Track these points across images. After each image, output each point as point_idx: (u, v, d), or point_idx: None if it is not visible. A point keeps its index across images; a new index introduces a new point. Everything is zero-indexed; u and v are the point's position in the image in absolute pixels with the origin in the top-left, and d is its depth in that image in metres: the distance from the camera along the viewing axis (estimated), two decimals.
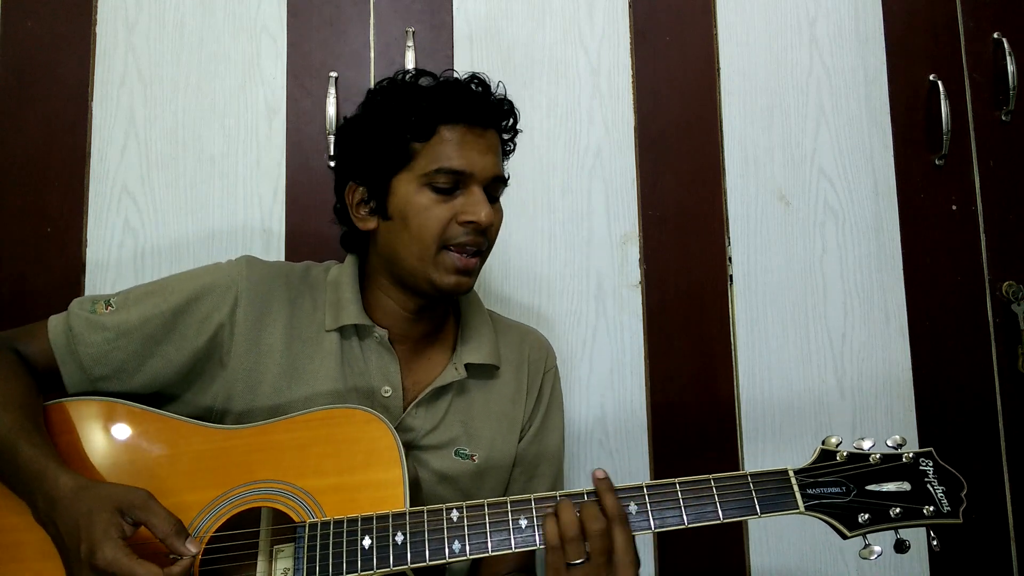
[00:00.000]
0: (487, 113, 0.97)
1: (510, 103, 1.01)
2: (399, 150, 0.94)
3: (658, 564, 1.35)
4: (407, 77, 0.99)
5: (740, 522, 1.37)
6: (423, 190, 0.94)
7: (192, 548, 0.77)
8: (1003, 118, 1.50)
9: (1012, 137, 1.50)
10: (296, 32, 1.38)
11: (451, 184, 0.93)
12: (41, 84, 1.32)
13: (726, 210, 1.44)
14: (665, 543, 1.36)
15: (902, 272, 1.45)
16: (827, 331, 1.43)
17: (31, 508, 0.82)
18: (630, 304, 1.40)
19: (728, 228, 1.44)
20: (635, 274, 1.41)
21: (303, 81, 1.37)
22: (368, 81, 1.38)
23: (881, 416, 1.42)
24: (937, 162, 1.48)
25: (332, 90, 1.35)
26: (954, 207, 1.48)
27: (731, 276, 1.43)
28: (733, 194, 1.45)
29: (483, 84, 0.98)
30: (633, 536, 0.81)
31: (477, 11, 1.42)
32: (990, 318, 1.46)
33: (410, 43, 1.38)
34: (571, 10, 1.45)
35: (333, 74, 1.37)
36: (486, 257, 0.99)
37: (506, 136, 1.02)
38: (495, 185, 0.98)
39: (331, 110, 1.35)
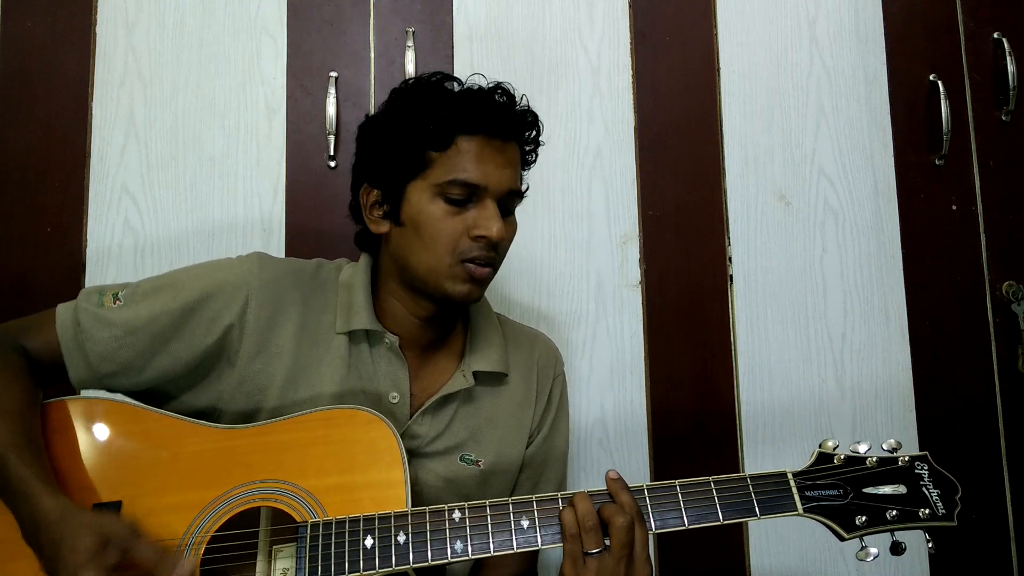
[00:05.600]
0: (508, 125, 0.94)
1: (534, 114, 0.98)
2: (415, 157, 0.93)
3: (658, 564, 1.35)
4: (431, 79, 0.97)
5: (740, 522, 1.37)
6: (436, 200, 0.92)
7: (187, 567, 0.76)
8: (1003, 118, 1.50)
9: (1012, 137, 1.50)
10: (296, 32, 1.38)
11: (465, 196, 0.92)
12: (41, 84, 1.32)
13: (726, 210, 1.44)
14: (665, 543, 1.36)
15: (902, 272, 1.45)
16: (827, 331, 1.43)
17: (19, 524, 0.81)
18: (630, 304, 1.40)
19: (728, 228, 1.44)
20: (635, 274, 1.41)
21: (303, 81, 1.37)
22: (368, 81, 1.38)
23: (881, 416, 1.42)
24: (937, 162, 1.48)
25: (332, 90, 1.35)
26: (954, 207, 1.48)
27: (731, 276, 1.43)
28: (733, 194, 1.45)
29: (507, 94, 0.96)
30: (648, 536, 0.82)
31: (477, 11, 1.42)
32: (990, 318, 1.46)
33: (410, 43, 1.38)
34: (571, 10, 1.45)
35: (333, 74, 1.37)
36: (497, 268, 0.98)
37: (528, 148, 1.00)
38: (510, 198, 0.96)
39: (331, 110, 1.35)
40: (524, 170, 1.01)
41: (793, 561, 1.38)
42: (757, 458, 1.39)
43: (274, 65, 1.37)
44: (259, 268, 0.96)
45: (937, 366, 1.44)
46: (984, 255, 1.47)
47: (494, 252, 0.94)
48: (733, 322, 1.42)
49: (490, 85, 0.96)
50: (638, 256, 1.41)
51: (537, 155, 1.02)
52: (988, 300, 1.47)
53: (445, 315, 1.01)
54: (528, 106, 0.97)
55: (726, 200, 1.44)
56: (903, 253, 1.46)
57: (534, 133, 0.99)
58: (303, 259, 1.04)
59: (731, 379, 1.40)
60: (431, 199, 0.92)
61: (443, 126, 0.91)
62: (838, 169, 1.47)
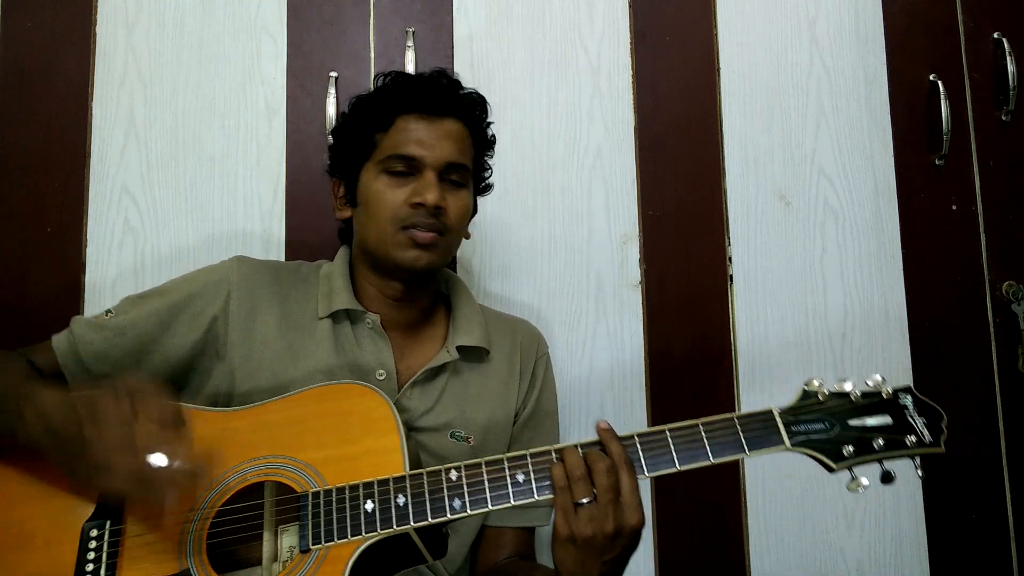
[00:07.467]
0: (441, 102, 1.02)
1: (471, 93, 1.06)
2: (365, 142, 1.03)
3: (658, 564, 1.35)
4: (386, 77, 1.06)
5: (740, 515, 1.37)
6: (381, 176, 1.00)
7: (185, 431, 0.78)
8: (1003, 118, 1.50)
9: (1012, 137, 1.50)
10: (296, 32, 1.38)
11: (405, 170, 1.00)
12: (41, 84, 1.32)
13: (726, 210, 1.44)
14: (665, 543, 1.36)
15: (902, 272, 1.45)
16: (827, 331, 1.43)
17: (19, 433, 0.80)
18: (630, 304, 1.40)
19: (728, 228, 1.44)
20: (635, 274, 1.41)
21: (303, 81, 1.37)
22: (368, 81, 1.38)
23: None
24: (937, 162, 1.48)
25: (332, 90, 1.35)
26: (954, 207, 1.48)
27: (731, 276, 1.43)
28: (733, 194, 1.44)
29: (446, 77, 1.05)
30: (638, 483, 0.82)
31: (477, 11, 1.42)
32: (990, 318, 1.46)
33: (410, 43, 1.38)
34: (571, 10, 1.45)
35: (333, 74, 1.37)
36: (450, 240, 1.02)
37: (474, 126, 1.06)
38: (454, 171, 1.02)
39: (331, 110, 1.35)
40: (487, 153, 1.10)
41: (793, 561, 1.38)
42: (757, 458, 1.39)
43: (274, 65, 1.37)
44: (238, 265, 1.03)
45: (937, 366, 1.44)
46: (984, 255, 1.47)
47: (435, 219, 0.98)
48: (733, 322, 1.42)
49: (432, 71, 1.05)
50: (638, 256, 1.41)
51: (490, 137, 1.10)
52: (988, 300, 1.47)
53: (415, 294, 1.06)
54: (472, 89, 1.06)
55: (726, 200, 1.44)
56: (903, 253, 1.46)
57: (478, 111, 1.07)
58: (282, 261, 1.13)
59: (731, 379, 1.40)
60: (376, 176, 1.01)
61: (384, 108, 1.02)
62: (838, 169, 1.47)
